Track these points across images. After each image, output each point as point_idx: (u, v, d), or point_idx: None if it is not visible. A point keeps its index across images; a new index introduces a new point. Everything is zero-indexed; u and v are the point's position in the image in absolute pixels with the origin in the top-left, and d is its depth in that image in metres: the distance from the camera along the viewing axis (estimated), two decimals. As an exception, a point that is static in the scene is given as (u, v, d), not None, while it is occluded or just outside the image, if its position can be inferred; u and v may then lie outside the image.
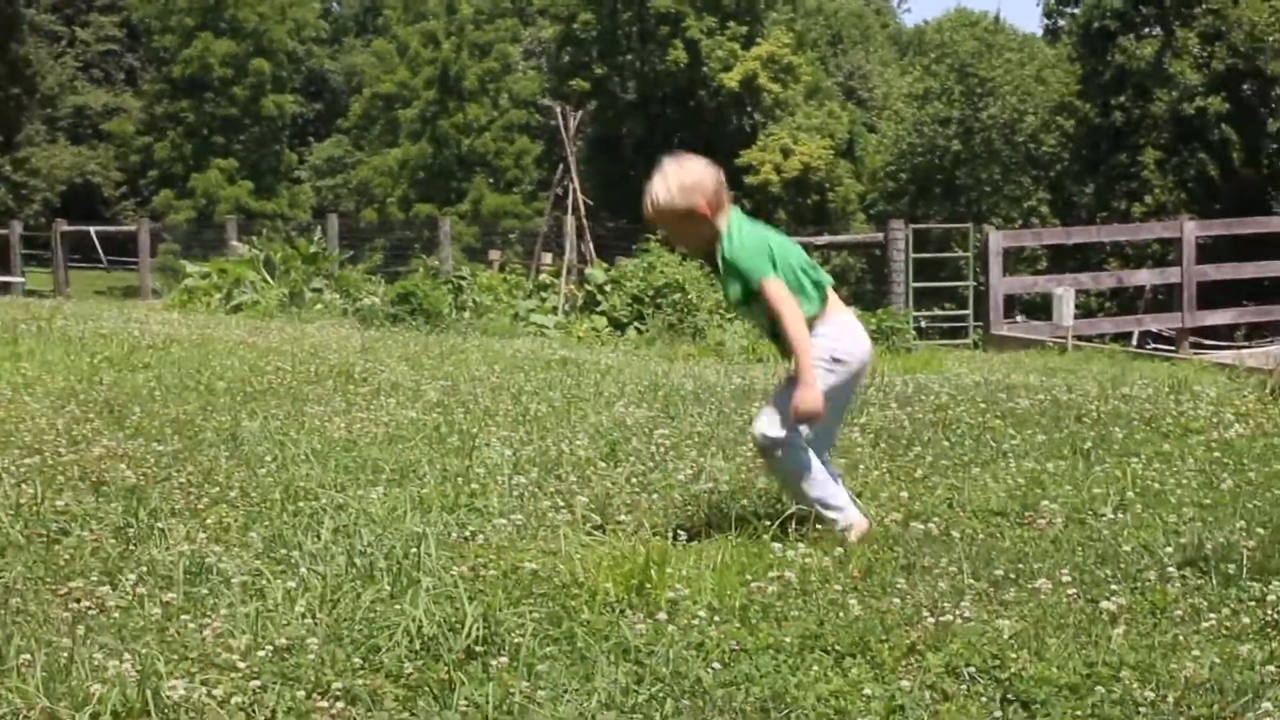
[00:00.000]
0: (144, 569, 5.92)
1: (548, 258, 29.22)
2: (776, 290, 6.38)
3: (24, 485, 7.46)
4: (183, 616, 5.30)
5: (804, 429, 6.48)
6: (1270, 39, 47.04)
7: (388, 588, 5.54)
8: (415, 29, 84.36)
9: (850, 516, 6.53)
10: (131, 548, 6.31)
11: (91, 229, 46.52)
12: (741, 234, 6.50)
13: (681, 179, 6.50)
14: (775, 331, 6.53)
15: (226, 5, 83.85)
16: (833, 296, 6.72)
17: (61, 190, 76.68)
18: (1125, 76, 51.41)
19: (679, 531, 6.49)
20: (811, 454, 6.53)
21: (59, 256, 41.11)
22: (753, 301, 6.50)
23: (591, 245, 26.88)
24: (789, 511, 6.72)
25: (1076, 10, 55.80)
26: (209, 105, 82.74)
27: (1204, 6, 49.26)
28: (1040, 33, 64.94)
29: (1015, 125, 59.06)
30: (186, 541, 6.33)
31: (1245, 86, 47.95)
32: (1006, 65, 60.30)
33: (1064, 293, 23.82)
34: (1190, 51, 48.91)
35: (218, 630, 5.11)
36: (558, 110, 29.86)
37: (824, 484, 6.53)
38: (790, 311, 6.35)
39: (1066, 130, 56.96)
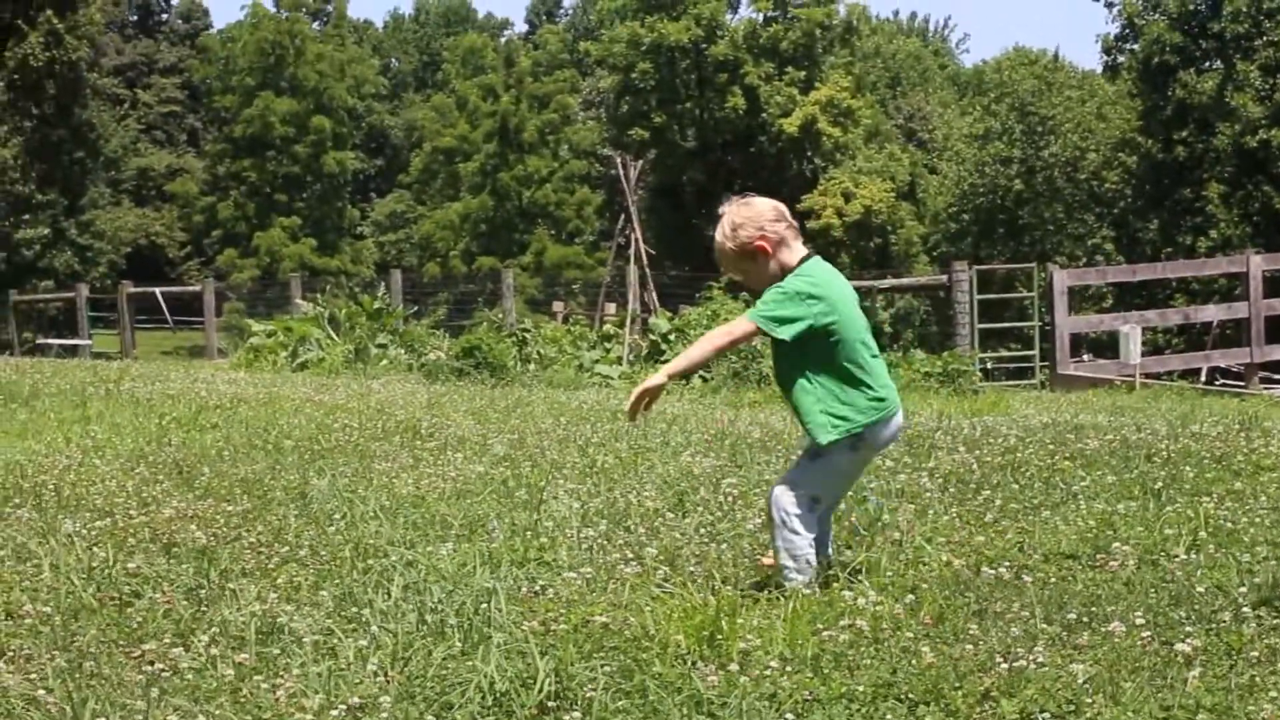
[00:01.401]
0: (216, 630, 5.94)
1: (611, 308, 29.28)
2: (746, 321, 6.40)
3: (95, 548, 7.51)
4: (255, 677, 5.32)
5: (815, 504, 6.48)
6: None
7: (459, 644, 5.53)
8: (474, 82, 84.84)
9: (803, 581, 6.39)
10: (203, 609, 6.32)
11: (157, 290, 46.85)
12: (796, 277, 6.47)
13: (734, 218, 6.56)
14: (781, 380, 6.55)
15: (286, 64, 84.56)
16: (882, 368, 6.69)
17: (126, 252, 77.38)
18: (1187, 111, 51.18)
19: (749, 581, 6.47)
20: (809, 537, 6.46)
21: (125, 318, 41.33)
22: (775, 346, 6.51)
23: (655, 294, 26.91)
24: (859, 559, 6.70)
25: (1136, 46, 55.56)
26: (271, 164, 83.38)
27: (1265, 39, 49.03)
28: (1100, 69, 64.66)
29: (1077, 163, 58.84)
30: (258, 601, 6.35)
31: (1308, 118, 47.73)
32: (1066, 103, 60.09)
33: (1130, 330, 23.73)
34: (1252, 84, 48.67)
35: (291, 690, 5.12)
36: (618, 160, 29.95)
37: (806, 556, 6.43)
38: (730, 327, 6.45)
39: (1129, 166, 56.71)
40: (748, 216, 6.54)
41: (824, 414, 6.43)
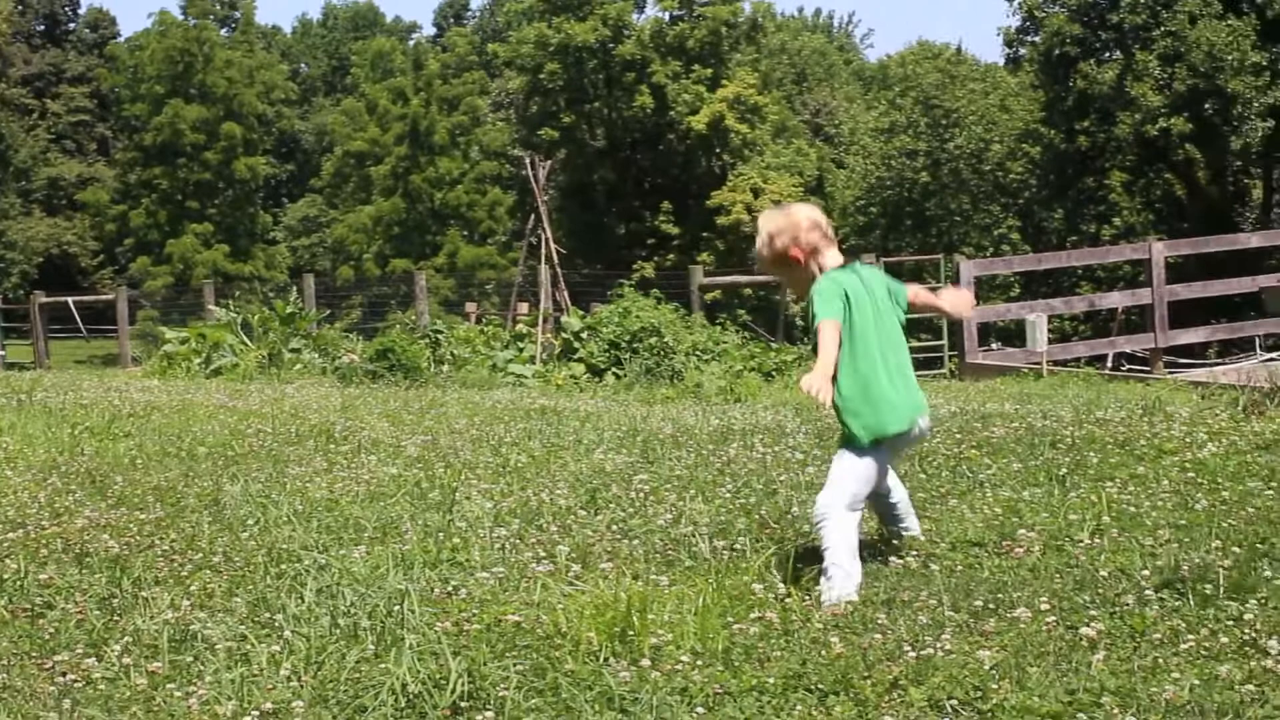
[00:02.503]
0: (129, 639, 5.93)
1: (524, 307, 29.24)
2: (825, 329, 6.48)
3: (7, 560, 7.47)
4: (169, 685, 5.33)
5: (859, 501, 6.59)
6: (1229, 58, 47.17)
7: (372, 647, 5.55)
8: (383, 86, 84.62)
9: (844, 593, 6.36)
10: (116, 618, 6.31)
11: (70, 299, 46.42)
12: (830, 276, 6.61)
13: (770, 227, 6.71)
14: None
15: (195, 71, 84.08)
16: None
17: (39, 262, 76.61)
18: (1088, 101, 51.45)
19: (661, 577, 6.52)
20: (853, 531, 6.52)
21: (38, 328, 40.95)
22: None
23: (566, 293, 26.88)
24: (770, 552, 6.76)
25: (1037, 38, 55.78)
26: (182, 171, 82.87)
27: (1163, 29, 49.38)
28: (1002, 62, 64.98)
29: (982, 154, 59.15)
30: (171, 609, 6.34)
31: (1207, 106, 48.00)
32: (970, 95, 60.40)
33: (1037, 319, 23.91)
34: (1151, 74, 48.99)
35: (204, 698, 5.13)
36: (527, 160, 29.90)
37: (850, 557, 6.45)
38: (824, 348, 6.47)
39: (1033, 157, 57.03)
40: (783, 226, 6.68)
41: (849, 414, 6.60)
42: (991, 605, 5.94)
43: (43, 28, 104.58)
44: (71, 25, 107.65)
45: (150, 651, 5.76)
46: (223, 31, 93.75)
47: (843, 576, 6.28)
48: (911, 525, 7.11)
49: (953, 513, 7.78)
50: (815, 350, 6.58)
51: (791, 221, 6.67)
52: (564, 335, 23.58)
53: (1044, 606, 5.81)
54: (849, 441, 6.60)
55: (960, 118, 59.58)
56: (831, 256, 6.68)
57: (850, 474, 6.53)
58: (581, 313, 24.77)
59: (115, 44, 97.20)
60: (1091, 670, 5.03)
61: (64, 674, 5.55)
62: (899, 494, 7.10)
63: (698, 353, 21.66)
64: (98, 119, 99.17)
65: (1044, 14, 54.05)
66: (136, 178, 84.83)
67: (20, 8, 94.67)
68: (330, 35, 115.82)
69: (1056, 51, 52.66)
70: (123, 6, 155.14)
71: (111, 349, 50.50)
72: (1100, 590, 6.08)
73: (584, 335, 22.85)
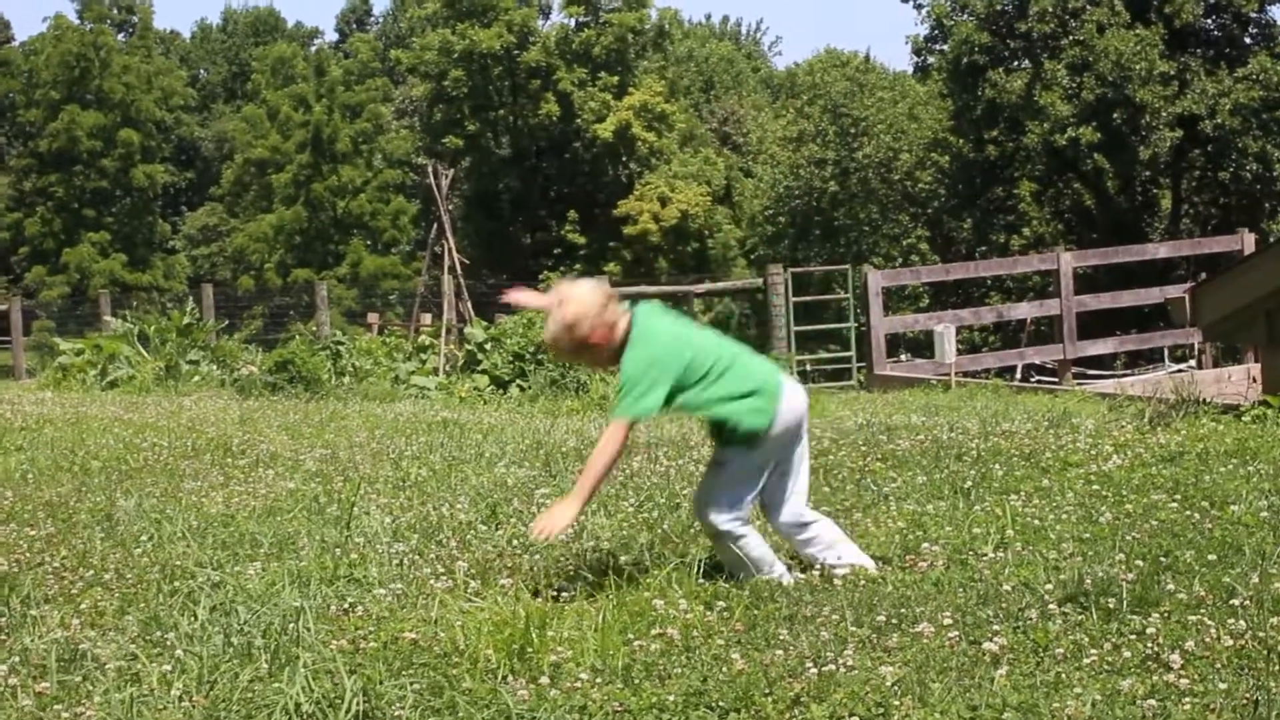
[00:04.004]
0: (16, 659, 5.83)
1: (427, 318, 29.11)
2: (618, 430, 6.60)
3: (-109, 578, 7.33)
4: (56, 706, 5.23)
5: (745, 508, 6.71)
6: (1137, 68, 47.56)
7: (266, 666, 5.47)
8: (285, 93, 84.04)
9: (777, 572, 6.70)
10: (3, 637, 6.21)
11: (-39, 309, 45.96)
12: (631, 350, 6.61)
13: (566, 317, 6.59)
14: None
15: (92, 77, 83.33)
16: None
17: (-69, 270, 75.84)
18: (997, 110, 51.73)
19: (561, 593, 6.46)
20: (751, 530, 6.76)
21: (-70, 338, 40.58)
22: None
23: (470, 304, 26.79)
24: (670, 566, 6.71)
25: (945, 47, 56.06)
26: (78, 178, 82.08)
27: (1071, 38, 49.71)
28: (911, 70, 65.35)
29: (891, 163, 59.31)
30: (60, 628, 6.25)
31: (1115, 115, 48.32)
32: (879, 104, 60.56)
33: (945, 330, 23.97)
34: (1059, 83, 49.27)
35: (92, 719, 5.03)
36: (430, 169, 29.77)
37: (760, 554, 6.69)
38: (605, 443, 6.63)
39: (942, 166, 57.27)
40: (579, 313, 6.58)
41: (737, 428, 6.70)
42: (895, 620, 5.92)
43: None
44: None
45: (38, 671, 5.66)
46: (120, 36, 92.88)
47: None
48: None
49: (857, 527, 7.75)
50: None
51: (585, 306, 6.59)
52: (468, 347, 23.48)
53: (947, 621, 5.80)
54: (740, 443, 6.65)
55: (869, 126, 59.77)
56: (621, 320, 6.68)
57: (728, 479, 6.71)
58: (486, 324, 24.65)
59: (9, 48, 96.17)
60: (994, 686, 5.01)
61: (-53, 695, 5.43)
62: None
63: (602, 365, 21.62)
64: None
65: (952, 22, 54.35)
66: (31, 185, 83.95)
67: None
68: (230, 41, 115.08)
69: (965, 60, 52.93)
70: (16, 10, 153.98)
71: (5, 360, 49.93)
72: (1004, 604, 6.07)
73: (488, 346, 22.75)
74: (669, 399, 6.56)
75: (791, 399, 6.86)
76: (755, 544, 6.77)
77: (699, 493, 6.94)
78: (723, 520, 6.65)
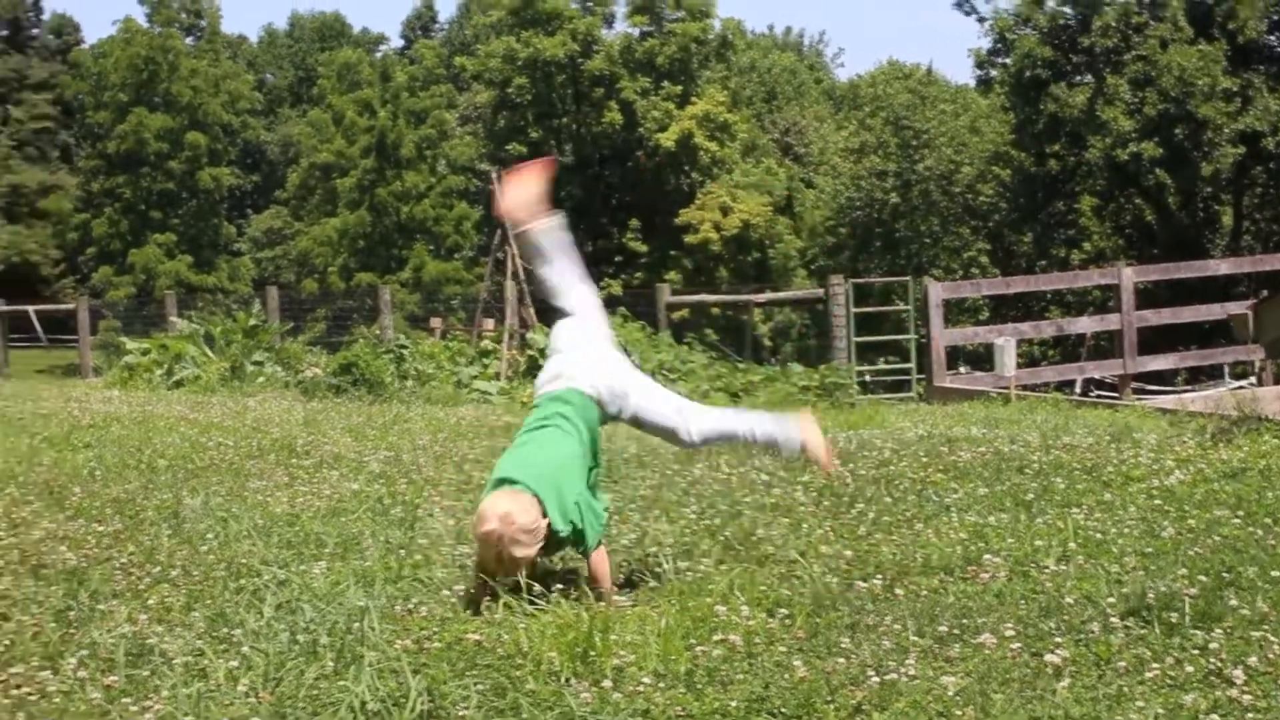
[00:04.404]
0: (85, 653, 5.85)
1: (489, 323, 29.17)
2: None
3: (-37, 571, 7.40)
4: (124, 700, 5.26)
5: None
6: (1200, 83, 47.37)
7: (331, 664, 5.49)
8: (350, 98, 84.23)
9: None
10: (72, 631, 6.24)
11: (30, 308, 46.17)
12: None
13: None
14: None
15: (160, 80, 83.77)
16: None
17: (-1, 270, 76.18)
18: (1059, 124, 51.64)
19: (623, 597, 6.47)
20: None
21: (-2, 336, 40.77)
22: None
23: (533, 310, 26.83)
24: (734, 574, 6.72)
25: (1008, 60, 55.98)
26: (145, 180, 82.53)
27: (1133, 53, 49.58)
28: (973, 83, 65.18)
29: (952, 176, 59.23)
30: (128, 623, 6.28)
31: (1177, 131, 48.21)
32: (941, 117, 60.49)
33: (1005, 343, 23.88)
34: (1122, 98, 49.16)
35: (160, 713, 5.07)
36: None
37: None
38: None
39: (1003, 180, 57.17)
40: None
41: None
42: (956, 631, 5.89)
43: (5, 33, 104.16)
44: (35, 31, 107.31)
45: (106, 665, 5.68)
46: (188, 40, 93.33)
47: None
48: None
49: (918, 537, 7.74)
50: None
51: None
52: (529, 352, 23.53)
53: (1009, 633, 5.77)
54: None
55: (930, 139, 59.68)
56: None
57: None
58: (547, 330, 24.67)
59: (79, 50, 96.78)
60: (1056, 698, 5.00)
61: (18, 687, 5.48)
62: None
63: (664, 371, 21.67)
64: (61, 126, 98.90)
65: (1015, 36, 54.26)
66: (99, 186, 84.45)
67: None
68: (297, 46, 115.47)
69: (1028, 74, 52.85)
70: (87, 13, 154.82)
71: (71, 359, 50.25)
72: (1065, 617, 6.04)
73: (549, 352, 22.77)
74: None
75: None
76: None
77: None
78: None
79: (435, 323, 35.36)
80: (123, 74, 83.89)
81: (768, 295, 37.40)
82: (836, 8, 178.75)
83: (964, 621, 6.03)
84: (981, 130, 59.61)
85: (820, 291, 29.74)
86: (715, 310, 53.06)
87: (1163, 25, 49.40)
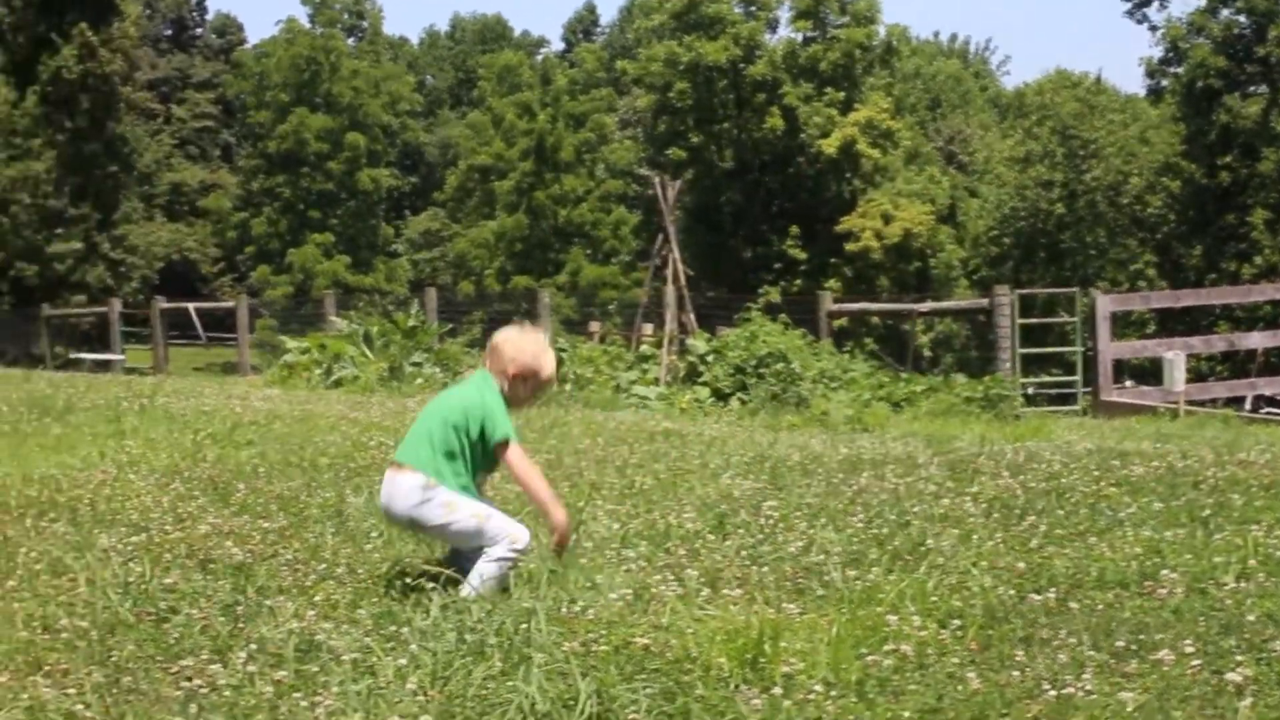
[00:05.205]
0: (254, 647, 5.90)
1: (648, 328, 29.18)
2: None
3: (131, 563, 7.48)
4: (294, 694, 5.29)
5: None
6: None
7: (499, 664, 5.47)
8: (510, 100, 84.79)
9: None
10: (241, 625, 6.29)
11: (190, 306, 46.84)
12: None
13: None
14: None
15: (321, 80, 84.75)
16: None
17: (159, 267, 77.18)
18: (1231, 136, 50.99)
19: (791, 605, 6.41)
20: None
21: (158, 333, 41.34)
22: None
23: (693, 315, 26.83)
24: (904, 584, 6.63)
25: (1180, 70, 55.34)
26: (305, 180, 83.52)
27: (1311, 64, 48.89)
28: (1143, 93, 64.49)
29: (1120, 187, 58.59)
30: (295, 619, 6.32)
31: (1355, 144, 47.49)
32: (1109, 126, 59.83)
33: (1174, 357, 23.56)
34: (1298, 109, 48.51)
35: (330, 708, 5.10)
36: (656, 180, 29.87)
37: None
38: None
39: (1172, 191, 56.48)
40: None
41: None
42: (1133, 646, 5.78)
43: (170, 32, 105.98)
44: (198, 31, 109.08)
45: (275, 660, 5.73)
46: (350, 41, 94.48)
47: None
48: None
49: (1092, 551, 7.60)
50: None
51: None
52: (689, 358, 23.50)
53: (1188, 649, 5.65)
54: None
55: (1098, 149, 59.04)
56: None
57: None
58: (707, 336, 24.67)
59: (242, 50, 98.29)
60: (1238, 716, 4.89)
61: (189, 679, 5.54)
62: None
63: (825, 380, 21.56)
64: (222, 125, 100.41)
65: (1187, 45, 53.60)
66: (259, 185, 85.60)
67: (148, 12, 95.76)
68: (457, 48, 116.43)
69: (1200, 84, 52.20)
70: (250, 13, 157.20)
71: (229, 357, 50.89)
72: (1246, 635, 5.91)
73: (709, 358, 22.75)
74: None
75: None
76: None
77: None
78: None
79: (593, 327, 35.41)
80: (284, 74, 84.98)
81: (930, 305, 37.13)
82: (1004, 15, 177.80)
83: (1141, 637, 5.92)
84: (1151, 140, 58.91)
85: (984, 302, 29.48)
86: (876, 319, 52.83)
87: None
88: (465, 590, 6.69)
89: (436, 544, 7.62)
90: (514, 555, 6.82)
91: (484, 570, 6.81)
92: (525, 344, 7.33)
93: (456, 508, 6.87)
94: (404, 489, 6.93)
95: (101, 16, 59.71)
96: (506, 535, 6.88)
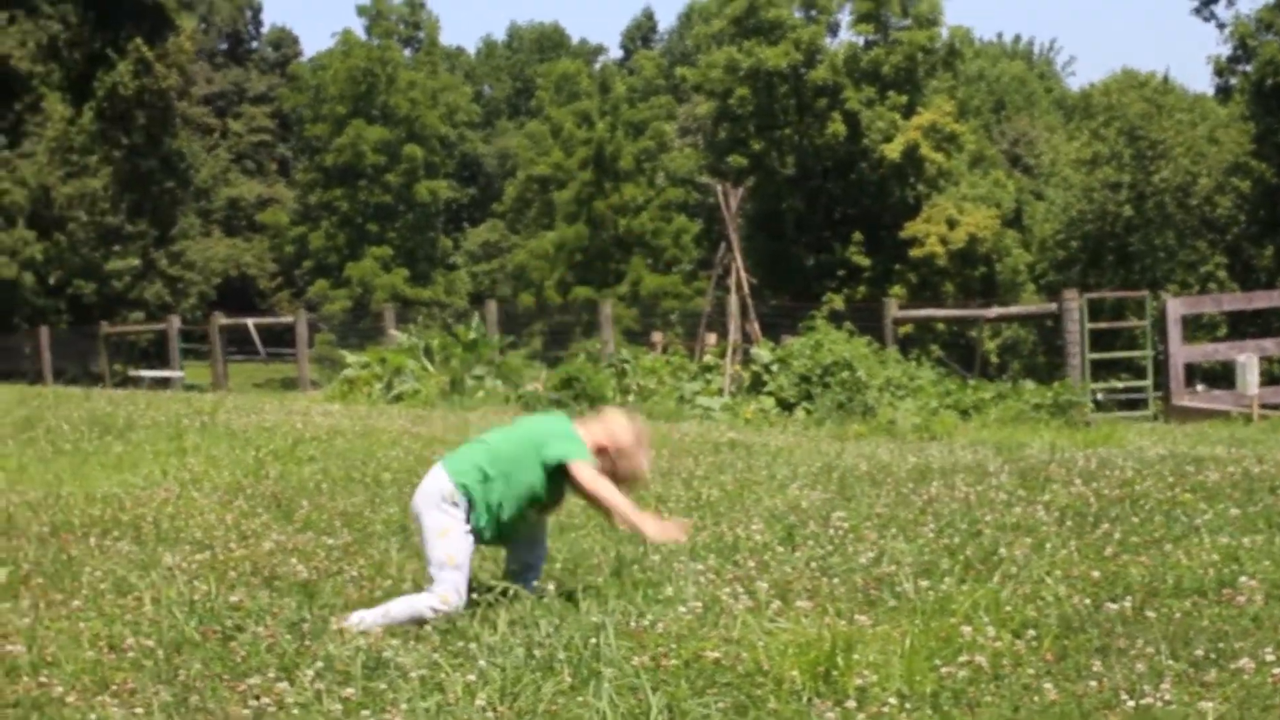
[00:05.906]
0: (321, 664, 5.88)
1: (711, 338, 29.10)
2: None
3: (197, 581, 7.48)
4: (363, 712, 5.28)
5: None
6: None
7: (569, 679, 5.46)
8: (568, 109, 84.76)
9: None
10: (307, 643, 6.27)
11: (249, 321, 46.90)
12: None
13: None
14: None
15: (378, 92, 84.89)
16: None
17: (217, 283, 77.45)
18: (1302, 134, 50.67)
19: (863, 616, 6.34)
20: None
21: (217, 349, 41.32)
22: None
23: (756, 324, 26.75)
24: (978, 594, 6.56)
25: (1249, 68, 54.96)
26: (362, 193, 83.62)
27: (1384, 60, 48.50)
28: (1211, 92, 64.07)
29: (1189, 188, 58.17)
30: (362, 636, 6.28)
31: None
32: (1177, 126, 59.40)
33: (1247, 360, 23.36)
34: (1370, 107, 48.15)
35: (398, 726, 5.06)
36: (718, 188, 29.82)
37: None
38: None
39: (1242, 191, 56.08)
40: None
41: None
42: (1212, 655, 5.72)
43: (225, 47, 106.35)
44: (254, 44, 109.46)
45: (343, 678, 5.71)
46: (406, 52, 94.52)
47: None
48: None
49: (1168, 558, 7.50)
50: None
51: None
52: (753, 367, 23.41)
53: (1269, 657, 5.58)
54: None
55: (1166, 149, 58.63)
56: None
57: None
58: (771, 344, 24.57)
59: (298, 63, 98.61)
60: (1322, 726, 4.79)
61: (256, 697, 5.53)
62: None
63: (891, 388, 21.45)
64: (278, 139, 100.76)
65: (1257, 43, 53.22)
66: (316, 199, 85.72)
67: (204, 26, 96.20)
68: (515, 57, 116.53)
69: (1269, 82, 51.84)
70: (306, 26, 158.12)
71: (289, 372, 51.05)
72: (1329, 642, 5.81)
73: (774, 368, 22.65)
74: None
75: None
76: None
77: None
78: None
79: (656, 337, 35.34)
80: (341, 86, 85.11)
81: (998, 310, 36.88)
82: (1068, 15, 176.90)
83: (1220, 645, 5.85)
84: (1220, 140, 58.48)
85: (1053, 306, 29.27)
86: (941, 326, 52.64)
87: None
88: (353, 617, 6.65)
89: (501, 559, 7.60)
90: (433, 614, 6.61)
91: (395, 606, 6.75)
92: (632, 426, 7.18)
93: (447, 535, 6.78)
94: (429, 488, 6.92)
95: (157, 32, 59.92)
96: (446, 593, 6.69)
